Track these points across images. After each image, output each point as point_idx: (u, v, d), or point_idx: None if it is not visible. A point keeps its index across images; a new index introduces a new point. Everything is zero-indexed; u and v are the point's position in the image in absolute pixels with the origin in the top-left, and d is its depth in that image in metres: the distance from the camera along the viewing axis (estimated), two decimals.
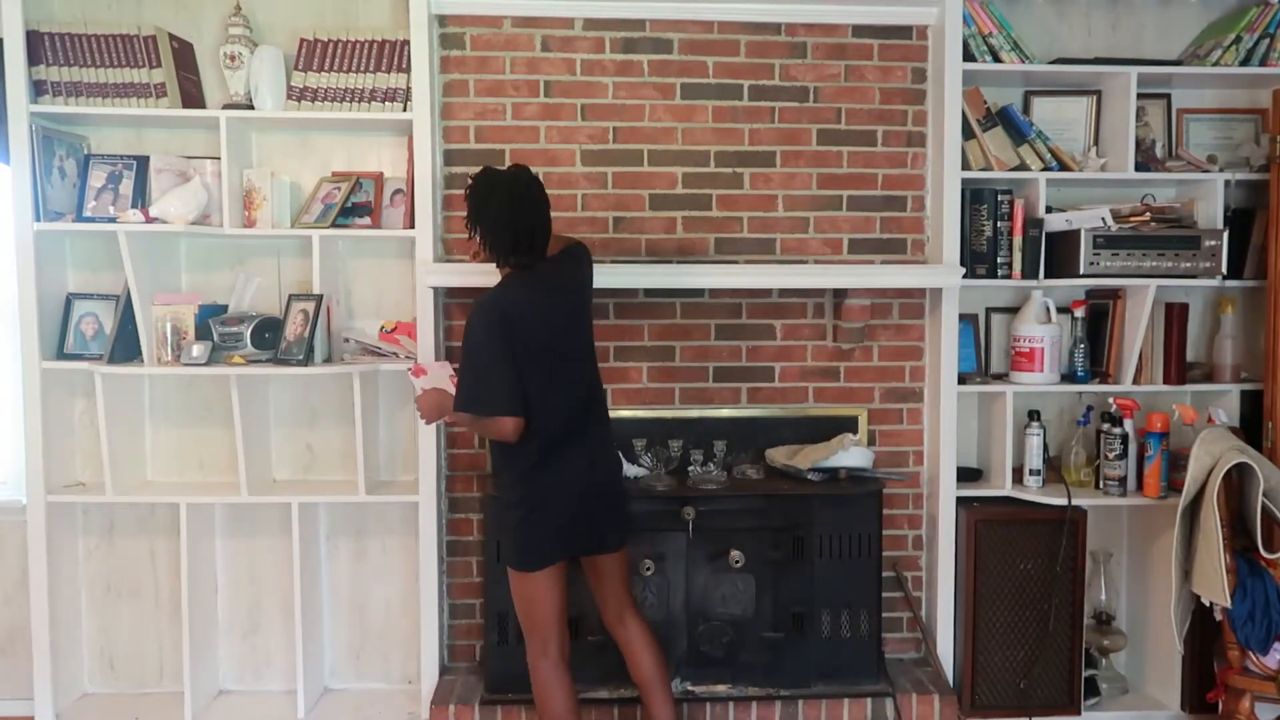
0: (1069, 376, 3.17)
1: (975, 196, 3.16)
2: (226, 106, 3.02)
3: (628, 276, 3.06)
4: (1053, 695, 3.10)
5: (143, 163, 3.05)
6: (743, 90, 3.19)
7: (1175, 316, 3.14)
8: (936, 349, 3.19)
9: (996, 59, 3.11)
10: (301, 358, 2.94)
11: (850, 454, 3.03)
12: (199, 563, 3.13)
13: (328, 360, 3.07)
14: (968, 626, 3.11)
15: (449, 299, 3.16)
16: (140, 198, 3.04)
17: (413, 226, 3.05)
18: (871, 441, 3.26)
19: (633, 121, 3.17)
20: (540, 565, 2.48)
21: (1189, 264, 3.05)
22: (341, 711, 3.15)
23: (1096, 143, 3.25)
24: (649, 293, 3.20)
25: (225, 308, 3.13)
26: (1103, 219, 3.04)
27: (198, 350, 2.92)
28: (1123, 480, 3.08)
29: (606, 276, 2.92)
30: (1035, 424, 3.12)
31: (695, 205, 3.20)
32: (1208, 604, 2.67)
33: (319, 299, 2.99)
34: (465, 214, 2.50)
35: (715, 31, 3.16)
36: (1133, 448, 3.10)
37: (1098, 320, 3.23)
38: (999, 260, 3.15)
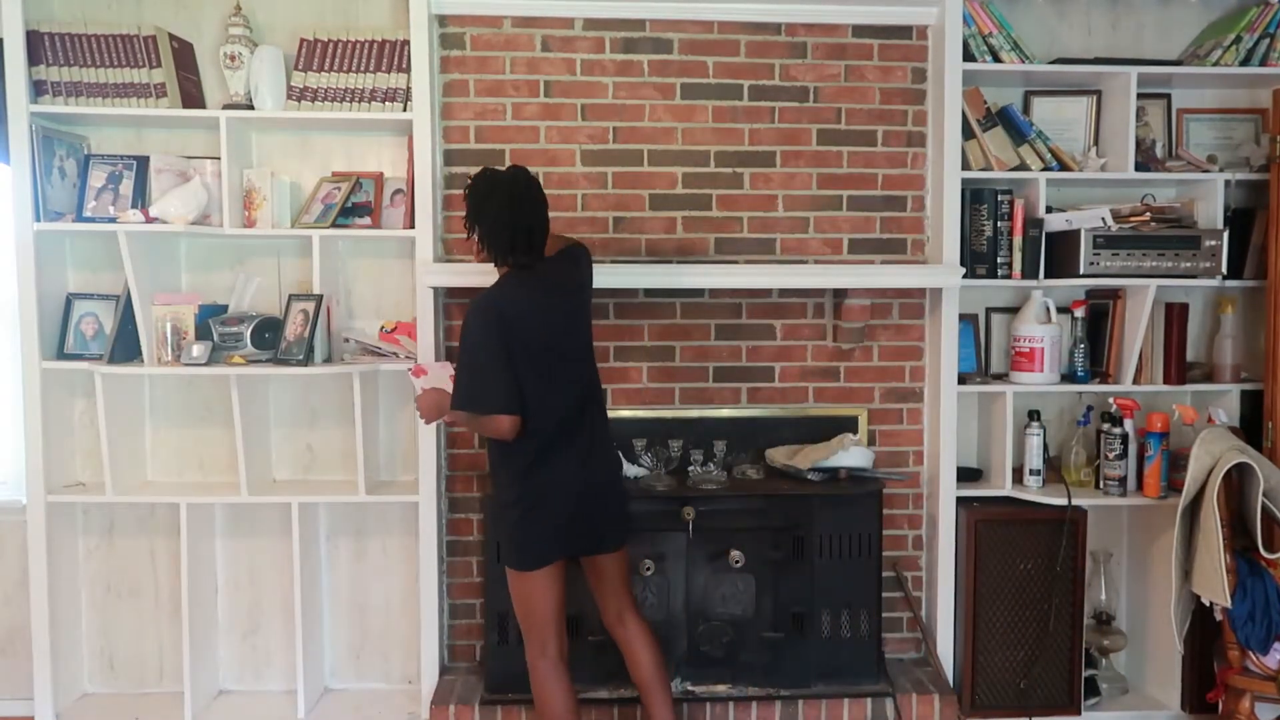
0: (1069, 376, 3.17)
1: (975, 196, 3.16)
2: (226, 106, 3.02)
3: (628, 276, 3.06)
4: (1053, 695, 3.10)
5: (143, 163, 3.05)
6: (743, 90, 3.19)
7: (1175, 316, 3.14)
8: (936, 349, 3.19)
9: (996, 59, 3.11)
10: (301, 358, 2.94)
11: (850, 454, 3.03)
12: (199, 563, 3.13)
13: (328, 360, 3.07)
14: (968, 626, 3.11)
15: (449, 299, 3.16)
16: (140, 198, 3.04)
17: (413, 226, 3.05)
18: (871, 441, 3.26)
19: (633, 121, 3.17)
20: (537, 565, 2.48)
21: (1189, 264, 3.05)
22: (341, 711, 3.15)
23: (1096, 143, 3.25)
24: (649, 293, 3.20)
25: (225, 308, 3.13)
26: (1103, 219, 3.04)
27: (198, 350, 2.92)
28: (1123, 480, 3.08)
29: (606, 276, 2.93)
30: (1035, 424, 3.12)
31: (695, 205, 3.20)
32: (1208, 604, 2.67)
33: (319, 299, 2.99)
34: (464, 214, 2.51)
35: (715, 31, 3.16)
36: (1133, 448, 3.10)
37: (1098, 320, 3.23)
38: (999, 260, 3.15)
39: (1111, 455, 3.08)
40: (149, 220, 2.91)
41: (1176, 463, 3.01)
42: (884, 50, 3.20)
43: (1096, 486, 3.15)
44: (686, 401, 3.24)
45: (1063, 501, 3.04)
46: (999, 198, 3.15)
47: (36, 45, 2.95)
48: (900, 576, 3.30)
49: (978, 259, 3.16)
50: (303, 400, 3.22)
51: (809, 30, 3.18)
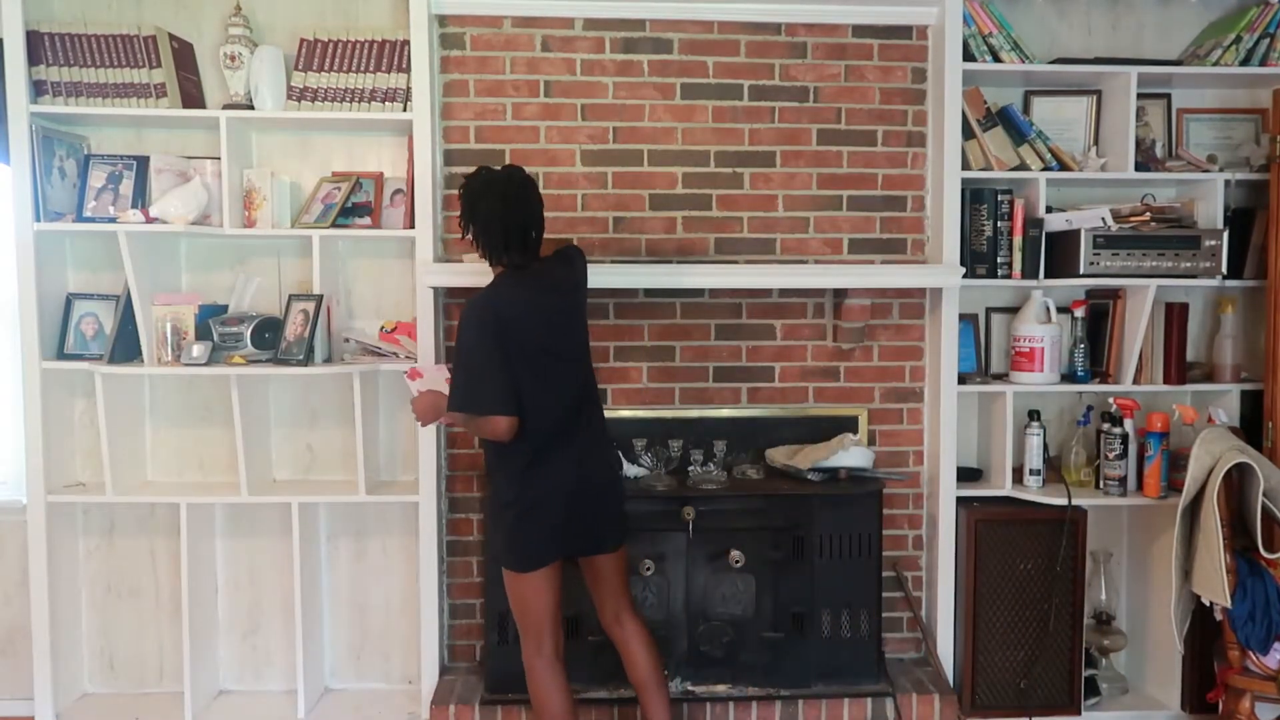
0: (1069, 376, 3.17)
1: (975, 196, 3.16)
2: (226, 106, 3.02)
3: (628, 276, 3.06)
4: (1053, 695, 3.10)
5: (143, 163, 3.05)
6: (743, 90, 3.19)
7: (1175, 316, 3.14)
8: (936, 349, 3.19)
9: (996, 59, 3.11)
10: (301, 358, 2.94)
11: (850, 454, 3.03)
12: (199, 563, 3.13)
13: (328, 360, 3.07)
14: (968, 626, 3.11)
15: (449, 299, 3.16)
16: (140, 198, 3.04)
17: (413, 226, 3.05)
18: (871, 441, 3.26)
19: (633, 121, 3.17)
20: (534, 566, 2.48)
21: (1189, 264, 3.05)
22: (341, 711, 3.15)
23: (1096, 143, 3.25)
24: (649, 293, 3.20)
25: (225, 308, 3.13)
26: (1103, 219, 3.04)
27: (198, 350, 2.92)
28: (1123, 480, 3.08)
29: (606, 276, 2.93)
30: (1035, 424, 3.12)
31: (695, 205, 3.20)
32: (1208, 604, 2.67)
33: (319, 299, 2.98)
34: (461, 206, 2.52)
35: (715, 31, 3.16)
36: (1133, 448, 3.10)
37: (1098, 320, 3.23)
38: (999, 260, 3.15)
39: (1111, 455, 3.07)
40: (149, 220, 2.91)
41: (1176, 463, 3.01)
42: (884, 50, 3.20)
43: (1096, 486, 3.15)
44: (686, 401, 3.24)
45: (1063, 501, 3.04)
46: (999, 198, 3.15)
47: (36, 45, 2.95)
48: (900, 576, 3.30)
49: (978, 259, 3.16)
50: (303, 400, 3.22)
51: (809, 30, 3.18)
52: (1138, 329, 3.09)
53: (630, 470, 3.06)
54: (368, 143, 3.18)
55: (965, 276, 3.10)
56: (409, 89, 3.02)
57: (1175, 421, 2.96)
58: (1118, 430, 3.06)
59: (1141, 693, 3.28)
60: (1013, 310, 3.27)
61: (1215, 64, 3.15)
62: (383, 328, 3.12)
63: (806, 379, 3.26)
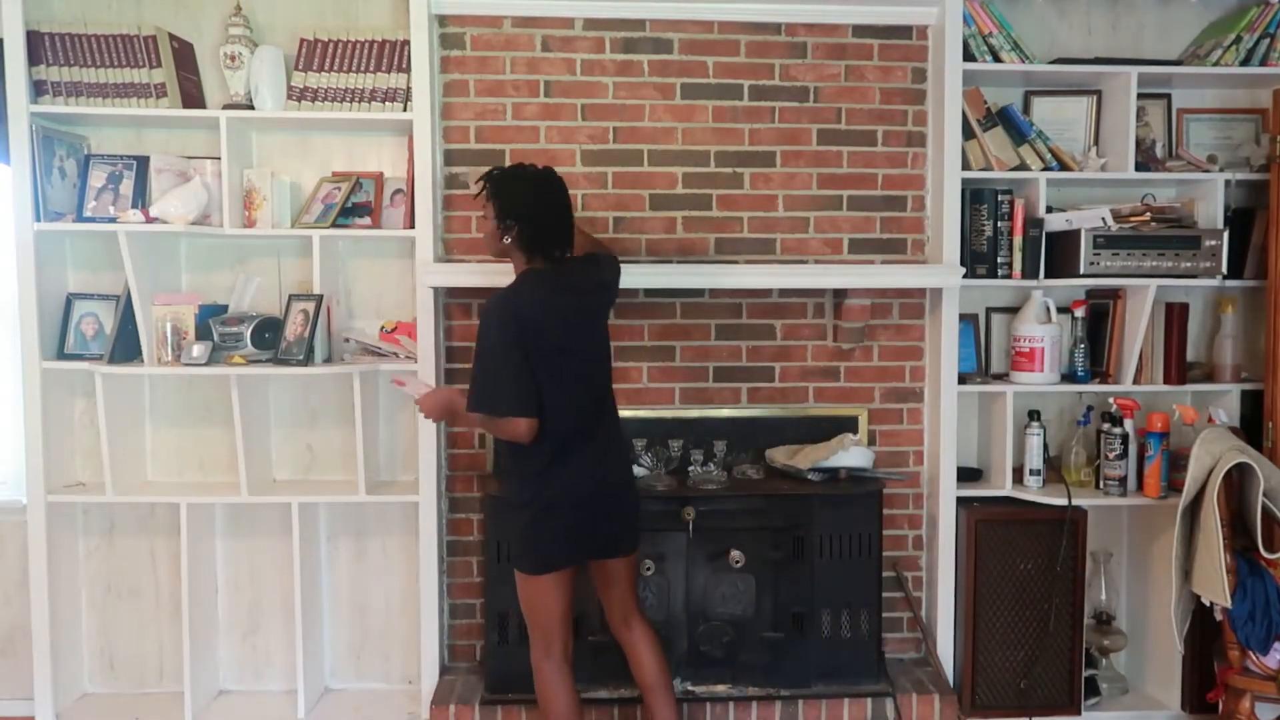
0: (1069, 376, 3.16)
1: (975, 196, 3.16)
2: (226, 106, 3.02)
3: (628, 276, 3.01)
4: (1053, 695, 3.10)
5: (143, 163, 3.05)
6: (743, 90, 3.19)
7: (1175, 316, 3.14)
8: (936, 349, 3.19)
9: (997, 59, 3.11)
10: (301, 358, 2.94)
11: (850, 454, 3.03)
12: (199, 563, 3.12)
13: (328, 360, 3.07)
14: (968, 626, 3.11)
15: (449, 299, 3.16)
16: (140, 198, 3.04)
17: (413, 226, 3.05)
18: (871, 441, 3.26)
19: (633, 121, 3.17)
20: (548, 569, 2.46)
21: (1189, 264, 3.05)
22: (341, 711, 3.15)
23: (1096, 143, 3.25)
24: (649, 293, 3.19)
25: (225, 308, 3.13)
26: (1103, 219, 3.04)
27: (198, 350, 2.92)
28: (1123, 480, 3.08)
29: None
30: (1035, 424, 3.12)
31: (695, 205, 3.20)
32: (1208, 604, 2.67)
33: (319, 299, 2.98)
34: (496, 206, 2.45)
35: (715, 31, 3.16)
36: (1133, 448, 3.10)
37: (1098, 320, 3.22)
38: (999, 260, 3.15)
39: (1111, 455, 3.07)
40: (149, 220, 2.91)
41: (1176, 463, 3.01)
42: (884, 50, 3.20)
43: (1096, 486, 3.15)
44: (686, 401, 3.24)
45: (1063, 501, 3.04)
46: (999, 198, 3.15)
47: (36, 45, 2.95)
48: (900, 576, 3.30)
49: (978, 259, 3.16)
50: (303, 400, 3.22)
51: (809, 30, 3.18)
52: (1138, 329, 3.09)
53: None
54: (368, 143, 3.18)
55: (965, 276, 3.10)
56: (409, 89, 3.02)
57: (1175, 421, 2.96)
58: (1118, 430, 3.06)
59: (1141, 693, 3.28)
60: (1013, 310, 3.27)
61: (1215, 64, 3.15)
62: (383, 328, 3.12)
63: (806, 379, 3.26)
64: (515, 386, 2.35)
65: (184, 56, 3.04)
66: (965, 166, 3.13)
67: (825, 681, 3.01)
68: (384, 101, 3.03)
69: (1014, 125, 3.16)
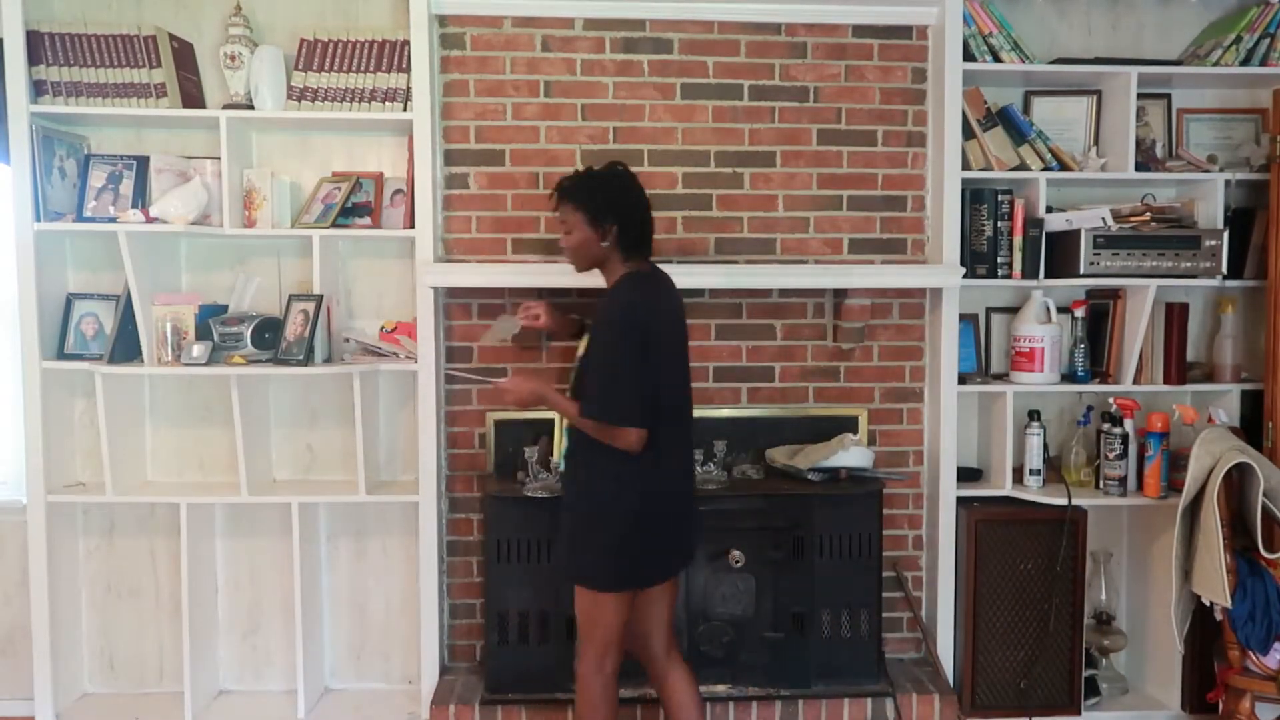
0: (1069, 376, 3.16)
1: (975, 196, 3.16)
2: (226, 106, 3.02)
3: None
4: (1053, 695, 3.10)
5: (143, 163, 3.05)
6: (743, 90, 3.19)
7: (1175, 316, 3.14)
8: (936, 349, 3.19)
9: (997, 59, 3.11)
10: (301, 358, 2.93)
11: (850, 454, 3.03)
12: (199, 563, 3.12)
13: (328, 360, 3.07)
14: (968, 626, 3.11)
15: (449, 299, 3.16)
16: (140, 198, 3.04)
17: (413, 226, 3.05)
18: (871, 441, 3.26)
19: (633, 121, 3.17)
20: (638, 586, 2.39)
21: (1189, 264, 3.05)
22: (341, 711, 3.15)
23: (1096, 143, 3.25)
24: None
25: (225, 308, 3.13)
26: (1103, 219, 3.04)
27: (198, 350, 2.92)
28: (1123, 480, 3.08)
29: None
30: (1035, 424, 3.12)
31: (695, 205, 3.20)
32: (1208, 604, 2.67)
33: (319, 299, 2.98)
34: (588, 211, 2.38)
35: (715, 31, 3.16)
36: (1133, 448, 3.10)
37: (1098, 320, 3.23)
38: (999, 260, 3.15)
39: (1111, 455, 3.07)
40: (149, 220, 2.91)
41: (1176, 463, 3.01)
42: (884, 50, 3.20)
43: (1096, 486, 3.15)
44: None
45: (1063, 501, 3.04)
46: (999, 198, 3.15)
47: (36, 45, 2.95)
48: (900, 576, 3.30)
49: (978, 259, 3.16)
50: (303, 400, 3.22)
51: (809, 30, 3.18)
52: (1138, 329, 3.09)
53: None
54: (368, 143, 3.18)
55: (965, 276, 3.10)
56: (409, 89, 3.01)
57: (1175, 421, 2.96)
58: (1118, 430, 3.06)
59: (1141, 693, 3.28)
60: (1013, 310, 3.27)
61: (1215, 64, 3.15)
62: (383, 328, 3.12)
63: (806, 379, 3.26)
64: (635, 396, 2.28)
65: (184, 56, 3.04)
66: (965, 166, 3.13)
67: (825, 681, 3.01)
68: (384, 101, 3.03)
69: (1014, 125, 3.16)
